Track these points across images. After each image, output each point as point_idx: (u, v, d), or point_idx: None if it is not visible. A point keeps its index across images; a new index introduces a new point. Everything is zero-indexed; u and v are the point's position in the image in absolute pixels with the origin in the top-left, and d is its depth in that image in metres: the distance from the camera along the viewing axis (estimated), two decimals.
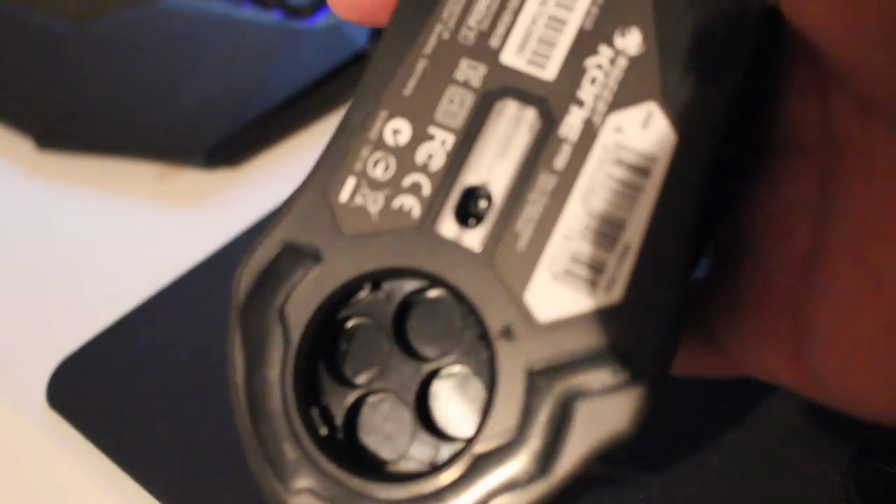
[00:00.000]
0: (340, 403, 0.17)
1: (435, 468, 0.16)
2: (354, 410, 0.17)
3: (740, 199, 0.18)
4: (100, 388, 0.29)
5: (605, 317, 0.16)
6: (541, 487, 0.15)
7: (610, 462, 0.16)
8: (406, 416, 0.17)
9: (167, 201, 0.36)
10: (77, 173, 0.37)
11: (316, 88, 0.37)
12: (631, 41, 0.17)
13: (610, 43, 0.17)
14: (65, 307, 0.32)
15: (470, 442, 0.16)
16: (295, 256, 0.17)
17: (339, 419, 0.17)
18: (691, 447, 0.25)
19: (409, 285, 0.17)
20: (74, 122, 0.38)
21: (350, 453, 0.17)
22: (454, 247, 0.16)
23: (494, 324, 0.16)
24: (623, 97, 0.16)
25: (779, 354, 0.17)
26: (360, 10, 0.19)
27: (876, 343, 0.15)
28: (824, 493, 0.24)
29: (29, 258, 0.34)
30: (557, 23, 0.17)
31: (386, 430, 0.17)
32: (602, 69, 0.17)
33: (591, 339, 0.16)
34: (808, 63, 0.16)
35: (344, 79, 0.38)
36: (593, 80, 0.17)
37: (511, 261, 0.16)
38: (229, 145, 0.37)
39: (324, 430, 0.17)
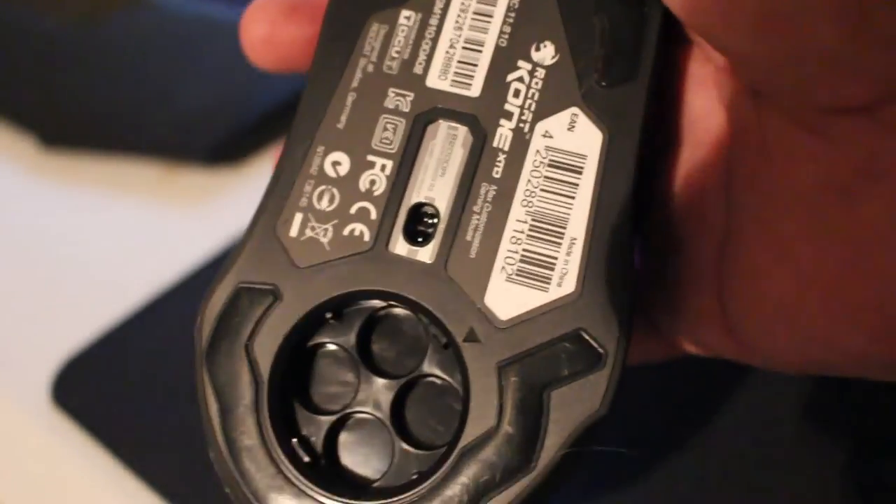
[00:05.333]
0: (318, 432, 0.17)
1: (421, 475, 0.17)
2: (333, 436, 0.17)
3: (657, 193, 0.19)
4: (105, 388, 0.29)
5: (563, 308, 0.17)
6: (529, 477, 0.16)
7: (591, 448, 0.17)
8: (384, 433, 0.17)
9: (169, 201, 0.36)
10: (79, 174, 0.37)
11: None
12: (546, 53, 0.18)
13: (527, 57, 0.18)
14: (67, 306, 0.32)
15: (452, 443, 0.16)
16: (253, 296, 0.17)
17: (319, 447, 0.17)
18: (690, 448, 0.25)
19: (370, 307, 0.18)
20: (77, 122, 0.37)
21: (335, 477, 0.17)
22: (409, 263, 0.17)
23: (458, 330, 0.17)
24: (547, 105, 0.18)
25: (710, 329, 0.18)
26: (278, 58, 0.20)
27: (789, 306, 0.16)
28: (824, 493, 0.24)
29: (31, 257, 0.34)
30: (474, 44, 0.18)
31: (367, 451, 0.17)
32: (523, 82, 0.18)
33: (553, 330, 0.16)
34: (704, 59, 0.18)
35: None
36: (517, 93, 0.18)
37: (465, 269, 0.17)
38: (231, 144, 0.36)
39: (306, 459, 0.17)
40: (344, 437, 0.18)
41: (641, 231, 0.19)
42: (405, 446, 0.17)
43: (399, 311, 0.18)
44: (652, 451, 0.25)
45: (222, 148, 0.36)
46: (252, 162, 0.37)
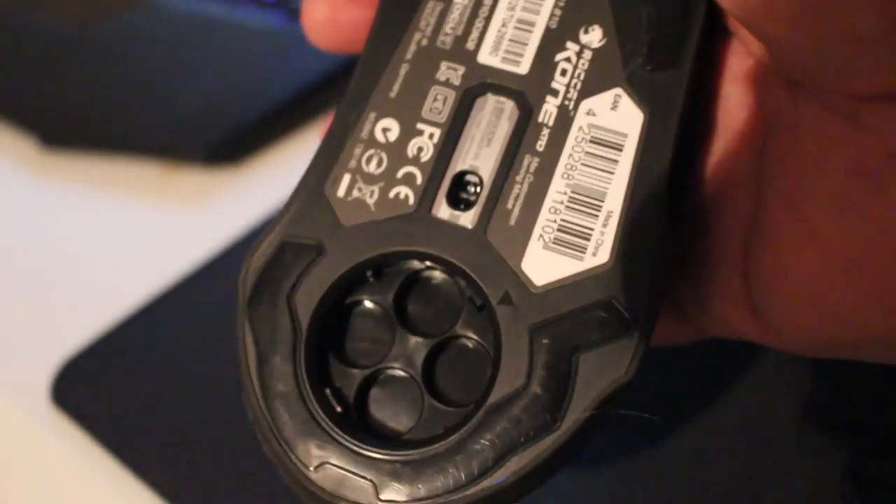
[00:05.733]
0: (350, 384, 0.18)
1: (449, 429, 0.17)
2: (365, 390, 0.18)
3: (690, 177, 0.20)
4: (105, 388, 0.29)
5: (596, 277, 0.17)
6: (553, 436, 0.17)
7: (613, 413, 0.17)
8: (415, 390, 0.18)
9: (169, 200, 0.36)
10: (79, 173, 0.37)
11: (317, 89, 0.38)
12: (594, 36, 0.19)
13: (575, 39, 0.19)
14: (67, 306, 0.32)
15: (481, 400, 0.17)
16: (298, 251, 0.18)
17: (350, 399, 0.18)
18: (691, 448, 0.25)
19: (409, 268, 0.18)
20: (77, 122, 0.37)
21: (364, 428, 0.18)
22: (450, 227, 0.18)
23: (494, 292, 0.17)
24: (592, 85, 0.18)
25: (736, 310, 0.19)
26: (339, 39, 0.21)
27: (813, 284, 0.17)
28: (824, 493, 0.24)
29: (30, 257, 0.34)
30: (526, 24, 0.19)
31: (397, 406, 0.18)
32: (570, 62, 0.19)
33: (585, 297, 0.17)
34: (743, 53, 0.19)
35: (345, 80, 0.38)
36: (563, 72, 0.19)
37: (505, 235, 0.18)
38: (231, 144, 0.37)
39: (338, 409, 0.17)
40: (375, 392, 0.18)
41: (674, 212, 0.20)
42: (434, 402, 0.18)
43: (437, 273, 0.18)
44: (650, 450, 0.25)
45: (222, 148, 0.37)
46: (252, 162, 0.37)
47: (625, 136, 0.18)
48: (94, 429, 0.28)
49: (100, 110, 0.38)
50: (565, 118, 0.18)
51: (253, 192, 0.36)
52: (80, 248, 0.34)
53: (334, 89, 0.38)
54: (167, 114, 0.37)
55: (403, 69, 0.19)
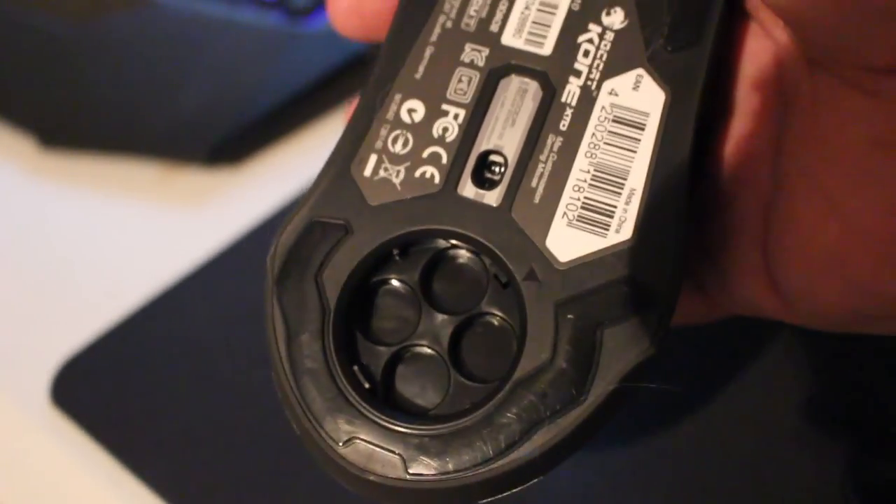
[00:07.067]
0: (377, 362, 0.18)
1: (476, 404, 0.17)
2: (392, 367, 0.18)
3: (710, 155, 0.20)
4: (105, 388, 0.29)
5: (619, 253, 0.18)
6: (579, 410, 0.17)
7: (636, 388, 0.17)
8: (441, 367, 0.18)
9: (169, 201, 0.36)
10: (79, 173, 0.37)
11: (317, 89, 0.38)
12: (615, 18, 0.19)
13: (597, 21, 0.19)
14: (67, 306, 0.32)
15: (507, 375, 0.17)
16: (325, 230, 0.18)
17: (377, 376, 0.18)
18: (691, 447, 0.25)
19: (435, 246, 0.19)
20: (77, 122, 0.37)
21: (392, 404, 0.18)
22: (476, 206, 0.18)
23: (519, 269, 0.18)
24: (614, 66, 0.19)
25: (756, 285, 0.19)
26: (362, 27, 0.21)
27: (834, 256, 0.17)
28: (824, 493, 0.24)
29: (30, 257, 0.34)
30: (549, 7, 0.19)
31: (423, 382, 0.18)
32: (593, 43, 0.19)
33: (609, 274, 0.17)
34: (761, 35, 0.19)
35: (345, 79, 0.39)
36: (586, 53, 0.19)
37: (529, 213, 0.18)
38: (231, 144, 0.37)
39: (366, 385, 0.18)
40: (402, 369, 0.18)
41: (696, 189, 0.20)
42: (461, 378, 0.18)
43: (462, 251, 0.19)
44: (650, 450, 0.25)
45: (222, 148, 0.37)
46: (252, 162, 0.37)
47: (647, 115, 0.18)
48: (94, 429, 0.28)
49: (99, 110, 0.38)
50: (588, 98, 0.19)
51: (253, 192, 0.36)
52: (80, 248, 0.34)
53: (335, 89, 0.38)
54: (167, 114, 0.37)
55: (428, 51, 0.19)
